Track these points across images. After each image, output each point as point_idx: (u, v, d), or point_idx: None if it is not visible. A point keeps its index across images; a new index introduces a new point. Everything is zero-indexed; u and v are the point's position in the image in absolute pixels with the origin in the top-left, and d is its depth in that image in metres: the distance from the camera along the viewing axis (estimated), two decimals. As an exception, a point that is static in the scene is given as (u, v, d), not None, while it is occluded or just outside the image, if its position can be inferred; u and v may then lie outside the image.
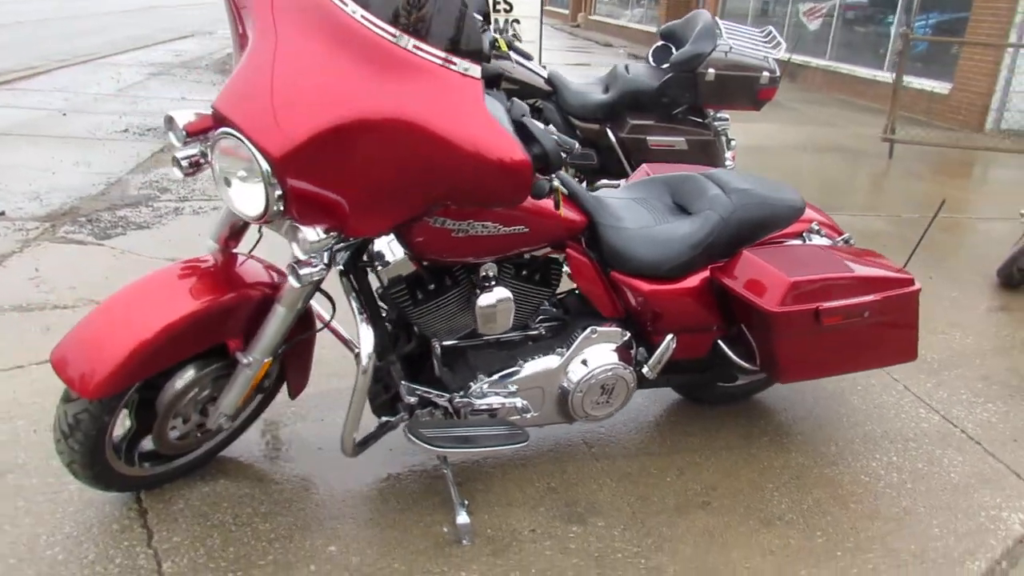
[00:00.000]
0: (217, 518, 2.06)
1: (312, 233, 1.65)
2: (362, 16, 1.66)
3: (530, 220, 1.94)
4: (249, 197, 1.67)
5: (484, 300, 2.01)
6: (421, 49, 1.63)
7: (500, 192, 1.71)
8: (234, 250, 2.00)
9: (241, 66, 1.67)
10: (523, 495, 2.23)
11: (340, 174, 1.63)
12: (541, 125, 1.74)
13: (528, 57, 4.83)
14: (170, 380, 1.94)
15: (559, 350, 2.19)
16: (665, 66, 4.75)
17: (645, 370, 2.27)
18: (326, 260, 1.75)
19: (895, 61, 10.73)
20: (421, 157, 1.62)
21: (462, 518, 2.07)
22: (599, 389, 2.21)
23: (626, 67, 4.87)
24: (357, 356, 2.25)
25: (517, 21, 7.59)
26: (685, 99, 4.64)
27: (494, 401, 2.12)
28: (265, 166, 1.58)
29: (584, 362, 2.19)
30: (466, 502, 2.12)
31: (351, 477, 2.26)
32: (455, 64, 1.64)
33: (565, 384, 2.19)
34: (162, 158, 5.72)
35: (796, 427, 2.66)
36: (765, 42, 4.68)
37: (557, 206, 1.92)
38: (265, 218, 1.67)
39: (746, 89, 4.59)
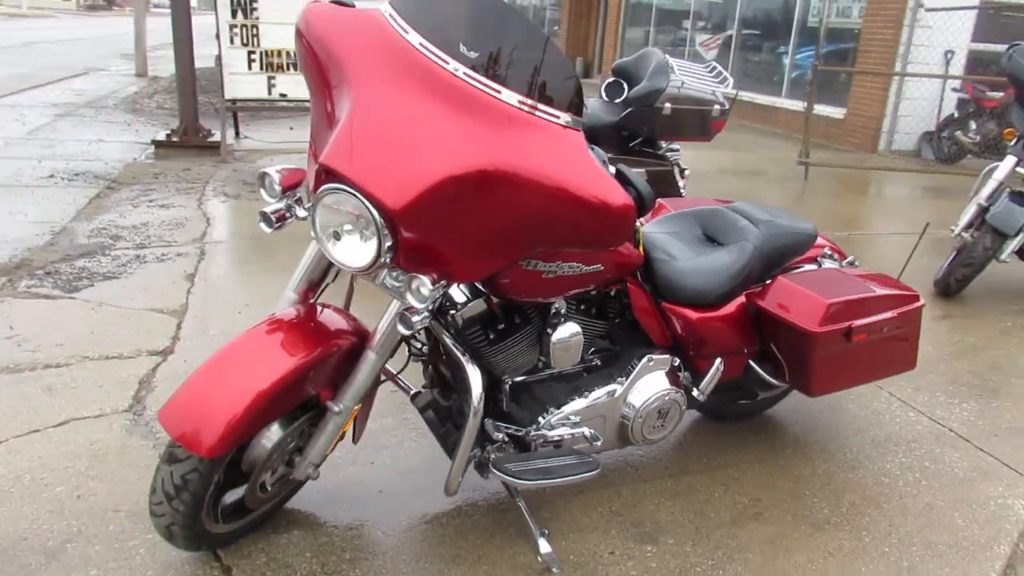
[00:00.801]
0: (304, 568, 2.05)
1: (428, 282, 1.71)
2: (464, 73, 1.74)
3: (606, 258, 2.06)
4: (356, 250, 1.71)
5: (559, 335, 2.10)
6: (525, 104, 1.72)
7: (607, 236, 1.83)
8: (311, 301, 2.03)
9: (346, 122, 1.70)
10: (590, 520, 2.33)
11: (453, 224, 1.70)
12: (634, 171, 1.86)
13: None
14: (260, 435, 1.94)
15: (619, 379, 2.30)
16: (618, 101, 5.01)
17: (696, 393, 2.42)
18: (431, 307, 1.81)
19: (792, 88, 11.57)
20: (534, 206, 1.70)
21: (545, 546, 2.14)
22: (656, 414, 2.34)
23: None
24: (415, 396, 2.31)
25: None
26: (643, 132, 4.90)
27: (563, 432, 2.21)
28: (379, 219, 1.63)
29: (642, 389, 2.31)
30: (546, 531, 2.19)
31: (421, 517, 2.29)
32: (558, 117, 1.75)
33: (626, 411, 2.30)
34: (101, 204, 5.51)
35: (811, 437, 2.87)
36: (712, 77, 5.00)
37: (637, 245, 2.04)
38: (370, 270, 1.73)
39: (700, 121, 4.89)
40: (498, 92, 1.72)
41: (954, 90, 9.53)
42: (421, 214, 1.65)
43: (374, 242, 1.66)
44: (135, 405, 2.80)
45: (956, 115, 9.21)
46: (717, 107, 4.89)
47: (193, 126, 7.37)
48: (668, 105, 4.75)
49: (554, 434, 2.19)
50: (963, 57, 9.74)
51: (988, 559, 2.26)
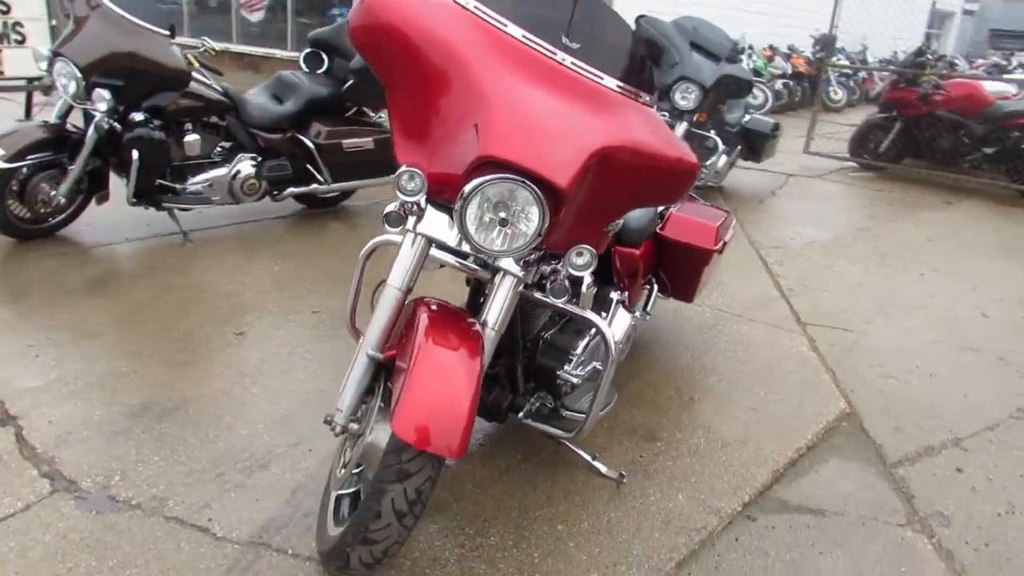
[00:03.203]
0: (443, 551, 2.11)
1: (589, 250, 1.95)
2: (571, 63, 1.97)
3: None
4: (509, 235, 1.86)
5: (587, 287, 2.44)
6: (621, 87, 2.03)
7: (681, 190, 2.21)
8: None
9: (493, 114, 1.81)
10: (605, 440, 2.74)
11: (587, 197, 1.96)
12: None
13: (219, 73, 4.60)
14: None
15: (604, 316, 2.71)
16: (320, 72, 5.07)
17: (639, 314, 2.95)
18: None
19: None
20: (642, 173, 2.03)
21: (602, 467, 2.52)
22: (626, 339, 2.81)
23: (293, 76, 4.99)
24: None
25: (20, 24, 6.66)
26: (367, 102, 5.05)
27: (583, 372, 2.57)
28: (544, 201, 1.82)
29: (618, 323, 2.76)
30: (596, 454, 2.55)
31: (503, 469, 2.46)
32: (643, 96, 2.09)
33: (611, 342, 2.73)
34: None
35: (662, 334, 3.63)
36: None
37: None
38: (520, 251, 1.89)
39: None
40: (601, 78, 1.99)
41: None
42: (577, 191, 1.88)
43: (535, 224, 1.83)
44: None
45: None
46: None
47: None
48: (389, 73, 4.96)
49: (575, 375, 2.52)
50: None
51: (819, 382, 3.28)
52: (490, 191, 1.79)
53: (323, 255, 4.39)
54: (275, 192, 4.85)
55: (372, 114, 5.27)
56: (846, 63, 14.12)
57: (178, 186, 4.38)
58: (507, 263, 1.99)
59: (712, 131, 6.07)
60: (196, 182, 4.43)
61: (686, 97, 5.54)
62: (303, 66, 5.18)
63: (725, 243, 3.15)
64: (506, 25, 1.95)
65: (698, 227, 3.04)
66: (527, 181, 1.77)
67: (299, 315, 3.51)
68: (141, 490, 2.27)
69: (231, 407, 2.72)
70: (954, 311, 4.29)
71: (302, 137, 4.82)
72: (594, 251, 1.99)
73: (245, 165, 4.58)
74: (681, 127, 5.64)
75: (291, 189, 4.90)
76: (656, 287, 3.19)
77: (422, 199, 1.90)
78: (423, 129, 1.98)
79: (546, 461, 2.59)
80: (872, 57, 15.84)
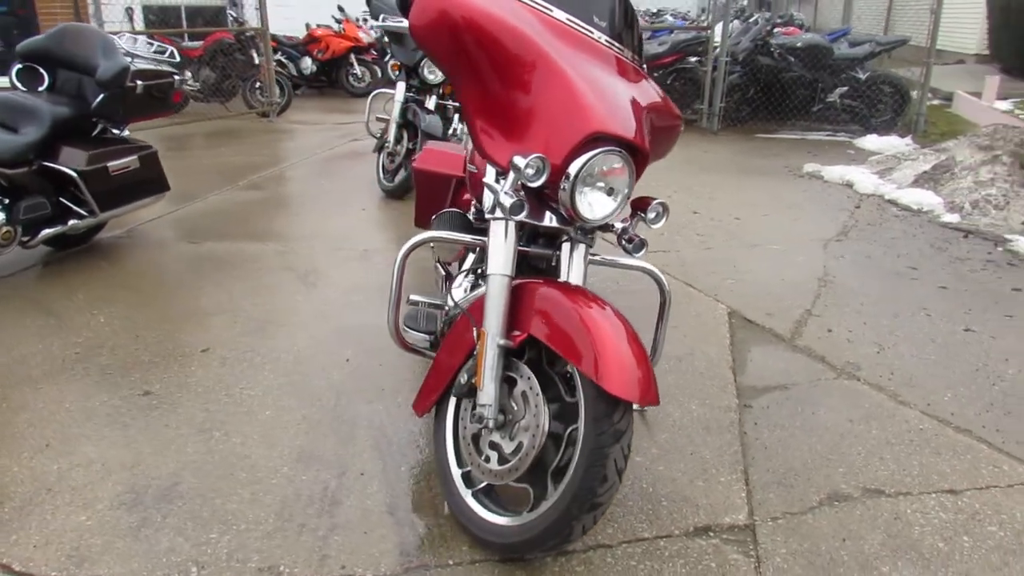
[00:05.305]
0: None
1: (654, 211, 2.20)
2: (606, 41, 2.19)
3: None
4: (607, 202, 2.06)
5: None
6: (635, 59, 2.29)
7: (675, 141, 2.51)
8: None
9: (579, 90, 1.96)
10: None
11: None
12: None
13: None
14: None
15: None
16: (43, 89, 4.37)
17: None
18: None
19: None
20: (666, 131, 2.34)
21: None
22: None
23: (21, 96, 4.22)
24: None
25: None
26: (118, 117, 4.46)
27: None
28: (631, 166, 2.06)
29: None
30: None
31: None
32: (644, 67, 2.37)
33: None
34: None
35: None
36: (149, 48, 4.74)
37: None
38: (615, 216, 2.10)
39: (167, 95, 4.69)
40: (623, 52, 2.24)
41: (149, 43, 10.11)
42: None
43: (624, 191, 2.06)
44: None
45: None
46: (178, 77, 4.75)
47: None
48: (140, 83, 4.45)
49: None
50: (140, 13, 10.32)
51: (693, 295, 3.87)
52: (595, 164, 1.95)
53: (126, 301, 3.86)
54: (26, 239, 4.08)
55: (116, 131, 4.63)
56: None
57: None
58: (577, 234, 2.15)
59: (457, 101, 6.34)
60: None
61: (434, 72, 5.76)
62: (16, 84, 4.37)
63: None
64: (551, 10, 2.07)
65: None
66: (621, 149, 1.96)
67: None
68: None
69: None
70: (719, 220, 5.23)
71: (57, 167, 4.10)
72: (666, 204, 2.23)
73: (-10, 211, 3.80)
74: (431, 100, 5.86)
75: (45, 231, 4.14)
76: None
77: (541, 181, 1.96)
78: (505, 115, 2.02)
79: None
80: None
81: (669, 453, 2.52)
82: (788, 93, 8.49)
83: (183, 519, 2.18)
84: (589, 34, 2.12)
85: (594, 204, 2.02)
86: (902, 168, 6.25)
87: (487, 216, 2.09)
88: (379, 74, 11.95)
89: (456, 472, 2.17)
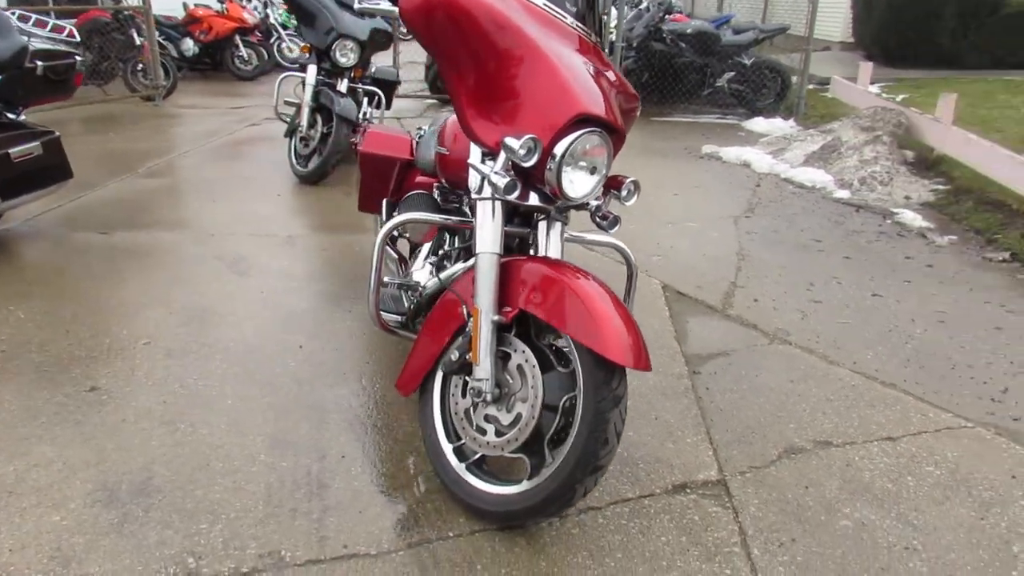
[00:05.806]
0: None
1: (627, 189, 2.31)
2: (576, 25, 2.27)
3: None
4: (589, 180, 2.16)
5: None
6: (596, 40, 2.39)
7: (635, 117, 2.61)
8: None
9: (563, 73, 2.04)
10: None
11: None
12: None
13: None
14: None
15: None
16: None
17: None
18: None
19: None
20: (630, 110, 2.44)
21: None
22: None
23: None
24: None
25: None
26: (16, 100, 4.17)
27: None
28: (610, 146, 2.17)
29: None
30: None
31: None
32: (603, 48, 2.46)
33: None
34: None
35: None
36: (43, 28, 4.42)
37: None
38: (595, 193, 2.20)
39: (68, 77, 4.43)
40: (589, 35, 2.34)
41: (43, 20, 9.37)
42: None
43: (603, 170, 2.17)
44: None
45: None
46: (79, 58, 4.47)
47: None
48: (40, 63, 4.18)
49: None
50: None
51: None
52: (579, 145, 2.03)
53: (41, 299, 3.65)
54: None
55: (11, 116, 4.32)
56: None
57: None
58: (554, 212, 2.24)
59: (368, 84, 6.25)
60: None
61: (346, 55, 5.67)
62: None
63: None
64: (531, -3, 2.13)
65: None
66: (601, 130, 2.06)
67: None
68: None
69: None
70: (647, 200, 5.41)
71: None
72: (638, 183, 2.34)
73: None
74: (343, 84, 5.77)
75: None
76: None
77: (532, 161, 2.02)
78: (493, 97, 2.07)
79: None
80: None
81: (636, 419, 2.65)
82: (680, 78, 8.85)
83: (166, 512, 2.12)
84: (563, 19, 2.19)
85: (576, 182, 2.09)
86: (792, 148, 6.67)
87: (474, 196, 2.14)
88: (266, 56, 11.57)
89: (447, 447, 2.21)
